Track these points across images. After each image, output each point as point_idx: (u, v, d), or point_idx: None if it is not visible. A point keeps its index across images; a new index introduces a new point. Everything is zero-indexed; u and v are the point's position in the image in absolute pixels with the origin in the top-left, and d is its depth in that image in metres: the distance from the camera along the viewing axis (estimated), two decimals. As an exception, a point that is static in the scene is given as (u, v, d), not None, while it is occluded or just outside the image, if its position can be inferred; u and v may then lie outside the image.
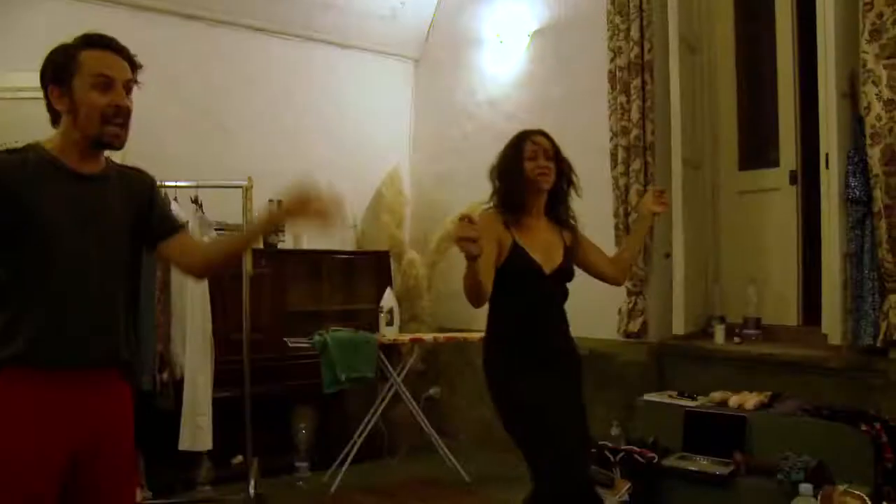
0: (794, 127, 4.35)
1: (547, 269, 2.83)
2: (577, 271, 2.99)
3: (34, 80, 2.05)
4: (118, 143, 2.02)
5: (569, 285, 2.95)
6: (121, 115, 1.99)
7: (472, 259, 2.43)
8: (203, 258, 2.28)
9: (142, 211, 2.14)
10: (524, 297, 2.83)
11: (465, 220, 2.33)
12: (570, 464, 2.74)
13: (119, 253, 2.06)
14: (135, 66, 2.05)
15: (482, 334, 4.83)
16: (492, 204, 2.92)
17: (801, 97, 4.33)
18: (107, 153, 2.10)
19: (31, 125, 2.12)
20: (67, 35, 2.03)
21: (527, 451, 2.79)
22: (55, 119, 2.02)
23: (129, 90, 2.03)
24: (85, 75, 1.96)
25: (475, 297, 2.62)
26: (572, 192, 2.96)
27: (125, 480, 2.09)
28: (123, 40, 2.05)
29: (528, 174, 2.83)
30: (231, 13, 5.39)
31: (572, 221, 2.98)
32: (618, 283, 3.24)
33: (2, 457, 1.85)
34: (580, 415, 2.89)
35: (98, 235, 2.00)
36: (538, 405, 2.77)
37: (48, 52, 2.02)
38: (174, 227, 2.23)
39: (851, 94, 3.66)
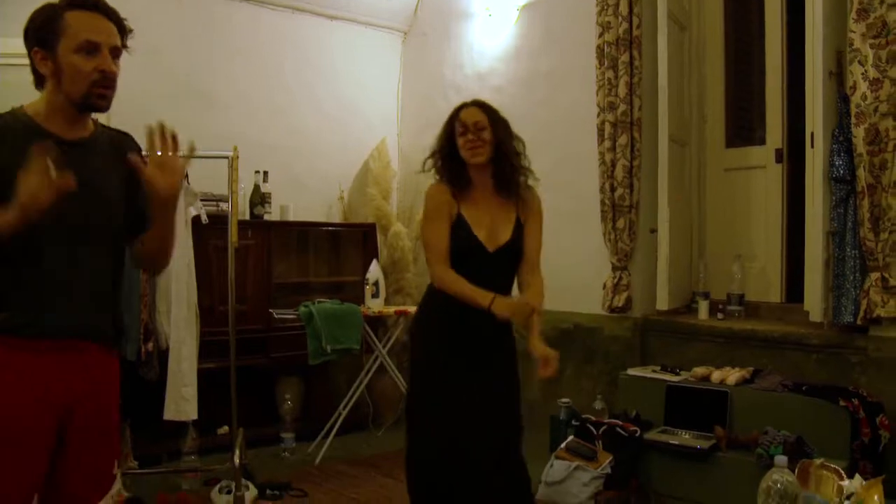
0: (780, 105, 4.38)
1: (490, 247, 2.78)
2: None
3: (16, 45, 1.99)
4: (104, 105, 1.96)
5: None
6: (107, 81, 1.93)
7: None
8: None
9: (130, 183, 2.04)
10: (468, 274, 2.71)
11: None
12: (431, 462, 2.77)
13: (106, 220, 2.02)
14: (124, 31, 1.99)
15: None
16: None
17: (789, 75, 4.35)
18: (94, 115, 2.05)
19: (21, 92, 2.03)
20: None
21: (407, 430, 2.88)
22: (39, 82, 1.97)
23: (116, 55, 1.96)
24: (70, 38, 1.89)
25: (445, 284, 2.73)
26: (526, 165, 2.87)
27: (105, 447, 2.07)
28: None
29: (460, 150, 2.78)
30: (219, -18, 5.32)
31: (528, 197, 2.86)
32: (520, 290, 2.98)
33: None
34: (495, 412, 2.81)
35: (84, 203, 1.92)
36: (439, 398, 2.77)
37: (32, 11, 1.95)
38: (146, 226, 2.10)
39: (838, 73, 3.68)
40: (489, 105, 2.86)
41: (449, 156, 2.82)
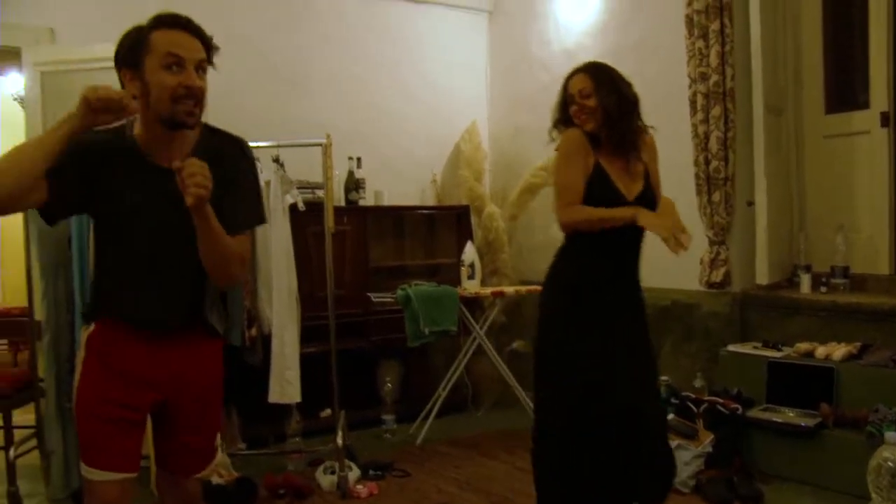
0: (885, 66, 4.15)
1: (629, 196, 2.75)
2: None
3: (113, 50, 2.06)
4: (191, 122, 1.98)
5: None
6: (192, 96, 1.95)
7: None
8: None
9: (227, 187, 2.03)
10: (602, 234, 2.71)
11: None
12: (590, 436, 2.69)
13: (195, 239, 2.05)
14: (210, 47, 2.01)
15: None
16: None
17: (894, 34, 4.13)
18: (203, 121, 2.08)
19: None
20: (142, 2, 2.04)
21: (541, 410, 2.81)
22: None
23: (201, 70, 1.98)
24: (155, 56, 1.93)
25: (576, 225, 2.73)
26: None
27: (205, 424, 2.24)
28: (201, 5, 2.04)
29: (574, 118, 2.77)
30: (306, -28, 5.43)
31: (645, 149, 2.83)
32: None
33: (101, 382, 2.06)
34: (644, 372, 2.81)
35: (180, 218, 1.94)
36: (577, 370, 2.72)
37: (121, 34, 2.04)
38: (229, 228, 2.04)
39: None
40: (597, 67, 2.81)
41: (567, 123, 2.81)
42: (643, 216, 2.62)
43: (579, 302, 2.77)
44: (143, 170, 2.01)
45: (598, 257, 2.77)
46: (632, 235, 2.77)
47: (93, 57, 4.12)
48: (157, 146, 2.01)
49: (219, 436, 2.35)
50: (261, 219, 2.21)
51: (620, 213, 2.65)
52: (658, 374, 2.91)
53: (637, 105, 2.81)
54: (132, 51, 1.97)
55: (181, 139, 2.03)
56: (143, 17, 2.04)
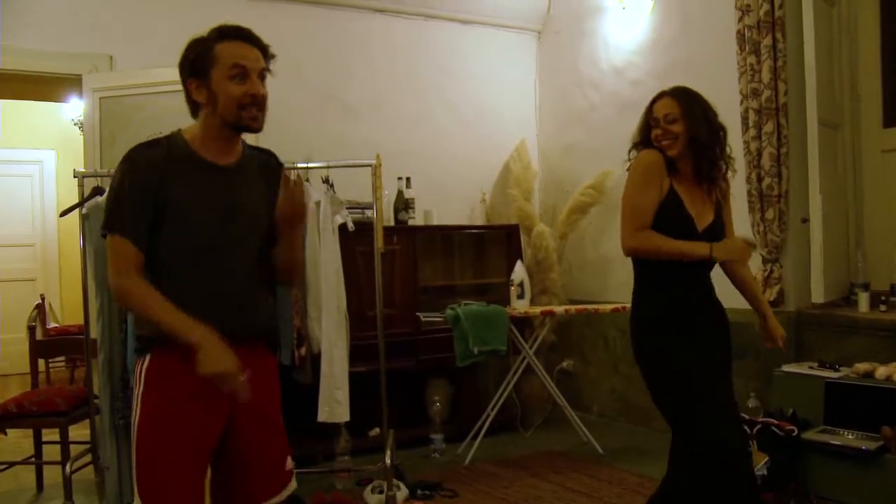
0: (945, 78, 4.06)
1: (699, 226, 2.71)
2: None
3: (169, 74, 2.17)
4: (257, 126, 2.10)
5: None
6: (257, 103, 2.07)
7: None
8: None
9: (271, 199, 2.21)
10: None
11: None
12: (730, 438, 2.64)
13: (257, 234, 2.17)
14: (268, 55, 2.13)
15: (614, 306, 4.81)
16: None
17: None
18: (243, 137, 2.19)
19: (169, 117, 2.23)
20: (199, 30, 2.11)
21: (679, 426, 2.70)
22: (194, 110, 2.12)
23: (262, 78, 2.11)
24: (221, 67, 2.04)
25: (647, 253, 2.73)
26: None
27: (274, 444, 2.20)
28: (254, 28, 2.13)
29: (654, 142, 2.74)
30: (353, -4, 5.51)
31: (722, 183, 2.80)
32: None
33: (165, 416, 2.03)
34: (730, 387, 2.81)
35: (237, 222, 2.11)
36: (692, 377, 2.66)
37: (185, 45, 2.11)
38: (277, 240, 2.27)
39: None
40: (686, 93, 2.76)
41: (647, 145, 2.78)
42: (717, 250, 2.65)
43: (672, 332, 2.72)
44: (200, 170, 2.09)
45: (677, 286, 2.74)
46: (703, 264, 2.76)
47: (149, 82, 4.25)
48: (213, 148, 2.12)
49: (290, 459, 2.26)
50: None
51: (694, 250, 2.65)
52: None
53: (724, 136, 2.77)
54: (197, 62, 2.07)
55: (235, 143, 2.17)
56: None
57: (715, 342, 2.79)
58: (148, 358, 2.08)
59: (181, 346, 1.97)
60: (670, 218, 2.68)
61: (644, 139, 2.79)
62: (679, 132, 2.69)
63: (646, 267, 2.79)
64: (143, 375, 2.08)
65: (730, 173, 2.83)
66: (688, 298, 2.75)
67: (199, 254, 2.08)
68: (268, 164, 2.26)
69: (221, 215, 2.09)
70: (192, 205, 2.06)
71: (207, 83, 2.06)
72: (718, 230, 2.76)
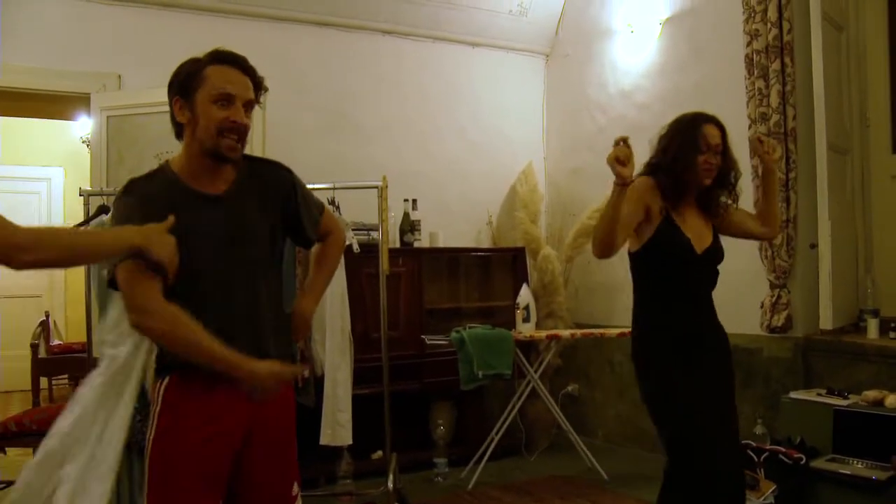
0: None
1: (698, 249, 2.72)
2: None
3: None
4: (233, 156, 2.04)
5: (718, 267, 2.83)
6: (236, 132, 2.02)
7: (622, 184, 2.42)
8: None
9: (286, 209, 2.18)
10: (674, 279, 2.72)
11: (621, 142, 2.37)
12: (728, 466, 2.65)
13: (261, 259, 2.12)
14: (259, 86, 2.09)
15: (620, 330, 4.78)
16: (646, 170, 2.77)
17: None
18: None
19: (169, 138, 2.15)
20: (204, 49, 2.08)
21: (676, 449, 2.70)
22: (178, 132, 2.08)
23: (248, 108, 2.05)
24: (208, 89, 2.00)
25: (606, 243, 2.52)
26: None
27: (283, 471, 2.16)
28: (261, 50, 2.11)
29: (698, 168, 2.69)
30: (361, 17, 5.51)
31: (721, 212, 2.83)
32: (770, 237, 3.07)
33: (181, 438, 1.98)
34: (733, 411, 2.79)
35: (239, 250, 2.05)
36: (693, 400, 2.65)
37: (179, 64, 2.09)
38: (318, 229, 2.32)
39: None
40: (724, 125, 2.77)
41: (684, 168, 2.70)
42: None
43: (668, 343, 2.73)
44: (192, 200, 2.03)
45: (673, 300, 2.74)
46: (702, 278, 2.78)
47: (156, 101, 4.20)
48: (201, 176, 2.06)
49: (297, 485, 2.23)
50: (322, 205, 2.39)
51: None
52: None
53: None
54: (186, 81, 2.03)
55: (225, 169, 2.09)
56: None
57: (716, 367, 2.76)
58: (167, 379, 2.04)
59: (203, 369, 1.95)
60: (666, 242, 2.69)
61: (678, 159, 2.69)
62: (719, 163, 2.70)
63: (647, 290, 2.79)
64: (161, 395, 2.04)
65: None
66: (689, 321, 2.74)
67: (201, 288, 2.01)
68: (273, 179, 2.20)
69: (220, 247, 2.03)
70: (189, 240, 1.97)
71: (191, 104, 2.02)
72: (716, 255, 2.78)
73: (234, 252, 2.05)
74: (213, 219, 2.04)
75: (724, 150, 2.73)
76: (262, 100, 2.13)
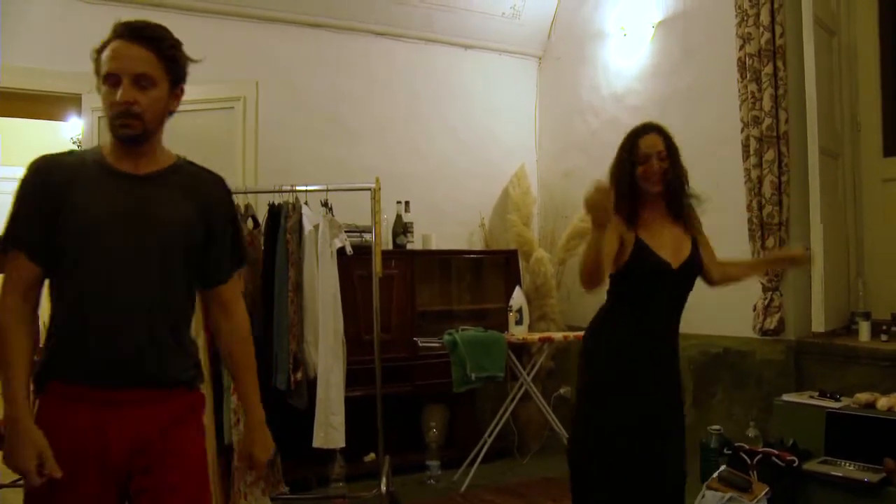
0: (945, 108, 4.06)
1: (675, 263, 2.72)
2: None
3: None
4: (127, 134, 1.82)
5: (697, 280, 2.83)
6: (125, 113, 1.80)
7: (600, 226, 2.41)
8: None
9: (210, 221, 1.96)
10: (648, 300, 2.73)
11: (598, 185, 2.34)
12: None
13: (168, 256, 1.88)
14: (164, 56, 1.84)
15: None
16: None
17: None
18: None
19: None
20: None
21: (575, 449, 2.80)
22: None
23: (143, 83, 1.81)
24: (101, 72, 1.83)
25: (593, 275, 2.52)
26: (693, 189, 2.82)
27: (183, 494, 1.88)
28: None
29: (639, 179, 2.70)
30: (354, 19, 5.51)
31: (694, 219, 2.84)
32: (712, 286, 2.94)
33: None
34: (668, 452, 2.76)
35: (142, 237, 1.84)
36: (617, 434, 2.69)
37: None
38: (221, 277, 2.03)
39: None
40: (665, 129, 2.76)
41: (624, 183, 2.72)
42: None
43: (616, 353, 2.76)
44: (108, 177, 1.86)
45: (638, 314, 2.75)
46: (677, 294, 2.77)
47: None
48: (123, 158, 1.88)
49: None
50: (243, 261, 2.12)
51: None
52: (684, 437, 2.86)
53: (686, 174, 2.81)
54: (95, 67, 1.87)
55: (148, 154, 1.90)
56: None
57: (659, 400, 2.77)
58: (38, 402, 1.82)
59: (78, 375, 1.78)
60: (644, 265, 2.70)
61: (624, 177, 2.71)
62: (666, 168, 2.70)
63: (618, 298, 2.81)
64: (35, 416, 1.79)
65: (698, 209, 2.85)
66: (648, 342, 2.75)
67: (95, 266, 1.80)
68: (208, 185, 2.00)
69: (122, 226, 1.82)
70: (91, 207, 1.81)
71: (100, 90, 1.85)
72: (695, 265, 2.77)
73: (137, 232, 1.83)
74: (124, 192, 1.84)
75: (672, 153, 2.71)
76: (190, 70, 1.93)
